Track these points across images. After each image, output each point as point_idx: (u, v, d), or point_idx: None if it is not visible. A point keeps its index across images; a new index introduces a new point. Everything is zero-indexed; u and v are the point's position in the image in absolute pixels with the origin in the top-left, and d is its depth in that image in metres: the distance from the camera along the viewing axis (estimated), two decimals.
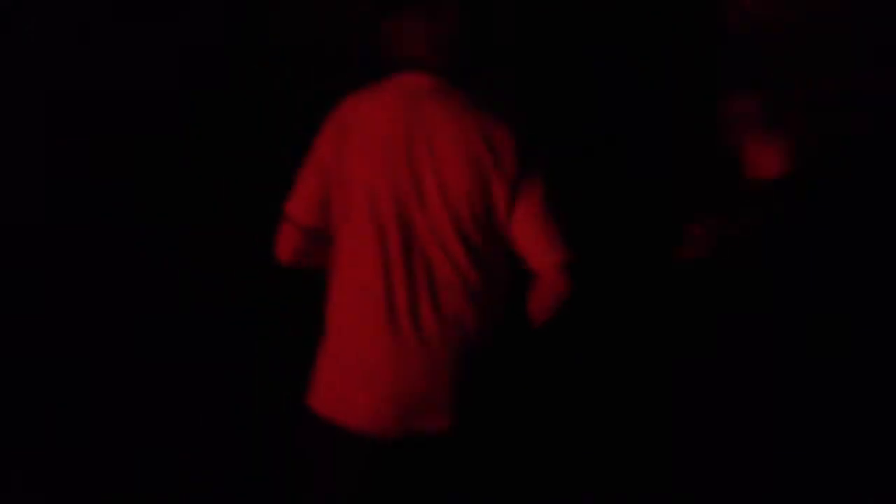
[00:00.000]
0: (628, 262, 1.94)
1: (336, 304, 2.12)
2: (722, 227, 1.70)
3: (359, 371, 2.05)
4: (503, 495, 1.91)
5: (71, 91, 2.85)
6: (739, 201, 1.76)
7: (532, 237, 2.05)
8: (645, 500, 2.00)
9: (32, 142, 2.84)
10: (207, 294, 2.88)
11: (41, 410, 2.84)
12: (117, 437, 2.84)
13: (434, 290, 2.03)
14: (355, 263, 2.07)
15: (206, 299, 2.88)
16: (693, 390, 1.87)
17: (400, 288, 2.04)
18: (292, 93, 2.91)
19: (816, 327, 1.75)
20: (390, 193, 2.03)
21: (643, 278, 1.79)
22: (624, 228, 2.06)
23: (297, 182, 2.15)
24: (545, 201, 2.05)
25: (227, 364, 2.87)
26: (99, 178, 2.90)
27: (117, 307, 2.90)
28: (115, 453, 2.82)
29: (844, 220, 1.77)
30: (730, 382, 1.73)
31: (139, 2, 2.91)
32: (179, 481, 2.78)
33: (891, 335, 1.79)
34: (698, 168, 2.05)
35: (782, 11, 1.94)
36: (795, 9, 1.95)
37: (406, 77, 2.09)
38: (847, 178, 1.74)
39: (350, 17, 2.93)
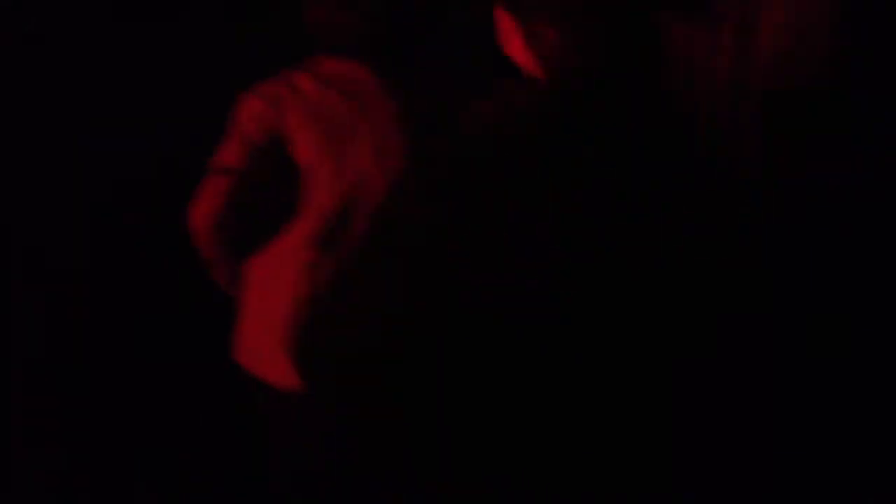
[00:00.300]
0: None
1: (260, 265, 2.11)
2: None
3: (280, 329, 2.05)
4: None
5: (70, 90, 2.85)
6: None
7: None
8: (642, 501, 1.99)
9: (30, 141, 2.85)
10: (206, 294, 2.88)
11: (40, 410, 2.84)
12: (115, 437, 2.84)
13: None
14: (285, 238, 2.06)
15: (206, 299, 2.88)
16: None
17: (328, 259, 2.03)
18: None
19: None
20: (333, 180, 2.02)
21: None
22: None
23: (223, 147, 2.08)
24: None
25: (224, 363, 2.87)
26: (97, 180, 2.90)
27: (116, 306, 2.90)
28: (113, 453, 2.82)
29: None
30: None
31: (139, 2, 2.91)
32: (179, 481, 2.78)
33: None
34: None
35: None
36: None
37: (342, 63, 2.07)
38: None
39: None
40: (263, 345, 2.08)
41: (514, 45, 1.52)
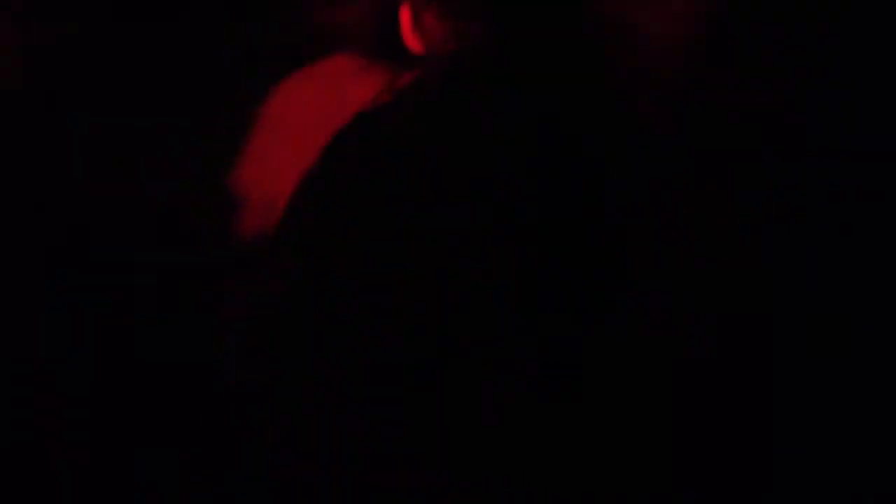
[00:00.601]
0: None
1: None
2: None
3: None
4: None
5: (70, 90, 2.86)
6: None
7: None
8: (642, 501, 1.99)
9: (30, 142, 2.85)
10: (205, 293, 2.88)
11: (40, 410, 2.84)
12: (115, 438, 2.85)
13: None
14: None
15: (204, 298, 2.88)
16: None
17: None
18: None
19: None
20: None
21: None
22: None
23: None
24: None
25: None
26: (97, 181, 2.90)
27: (115, 305, 2.91)
28: (113, 454, 2.83)
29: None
30: None
31: (139, 2, 2.92)
32: (179, 481, 2.78)
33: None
34: None
35: None
36: None
37: (332, 59, 2.11)
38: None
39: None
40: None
41: (409, 37, 1.66)
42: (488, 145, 1.54)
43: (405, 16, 1.67)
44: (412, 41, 1.67)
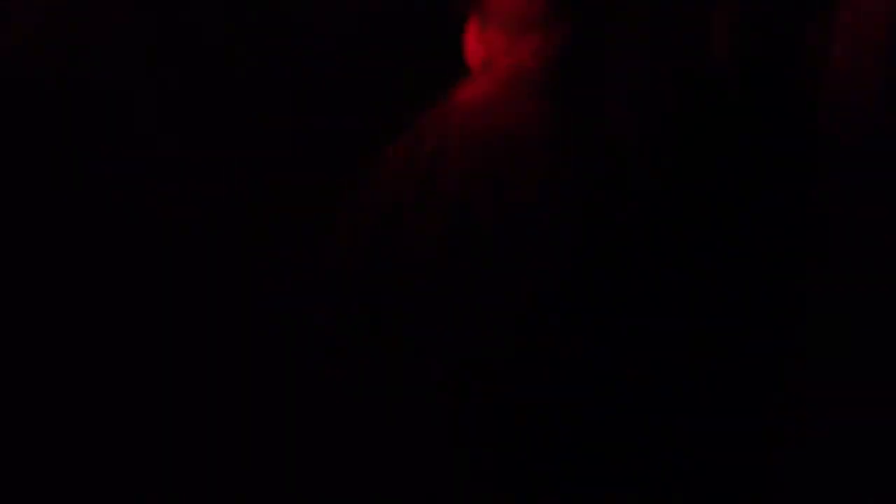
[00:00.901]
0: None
1: None
2: None
3: None
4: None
5: (69, 90, 2.85)
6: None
7: None
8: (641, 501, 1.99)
9: (28, 144, 2.84)
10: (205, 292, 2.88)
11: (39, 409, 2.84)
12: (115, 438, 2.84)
13: None
14: None
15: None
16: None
17: None
18: (293, 92, 2.91)
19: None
20: None
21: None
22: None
23: None
24: None
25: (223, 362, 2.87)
26: (95, 180, 2.90)
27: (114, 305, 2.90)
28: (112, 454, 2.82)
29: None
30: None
31: (139, 2, 2.91)
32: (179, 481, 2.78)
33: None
34: None
35: None
36: None
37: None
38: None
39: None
40: None
41: (472, 47, 1.84)
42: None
43: (470, 28, 1.78)
44: (475, 51, 1.78)
